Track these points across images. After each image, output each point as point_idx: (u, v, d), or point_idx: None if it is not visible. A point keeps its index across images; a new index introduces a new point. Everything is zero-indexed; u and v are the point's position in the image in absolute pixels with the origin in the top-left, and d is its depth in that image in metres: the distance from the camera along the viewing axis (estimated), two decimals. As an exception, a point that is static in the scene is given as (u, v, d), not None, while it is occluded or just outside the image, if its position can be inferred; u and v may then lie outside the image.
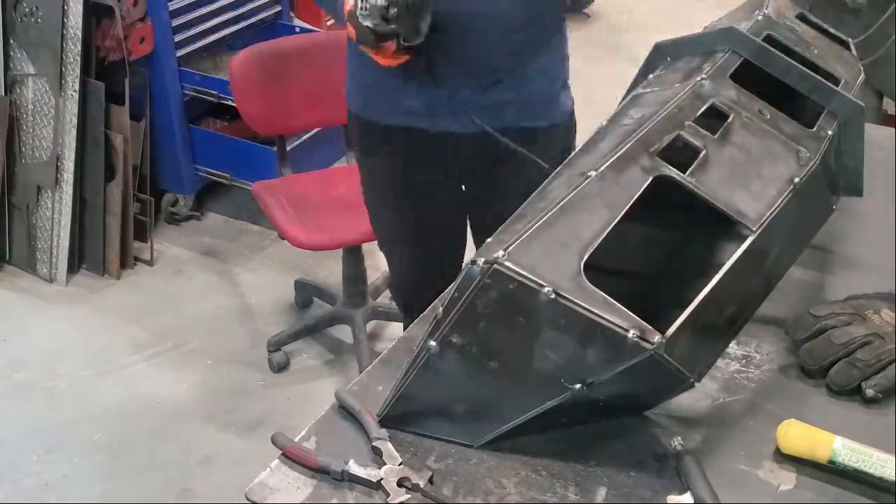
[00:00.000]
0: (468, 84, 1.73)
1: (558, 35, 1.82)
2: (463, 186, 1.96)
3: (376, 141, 1.88)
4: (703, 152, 1.17)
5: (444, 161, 1.84)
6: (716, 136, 1.20)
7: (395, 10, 1.51)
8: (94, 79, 3.03)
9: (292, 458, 1.09)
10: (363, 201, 2.05)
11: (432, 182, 1.90)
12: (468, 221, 2.04)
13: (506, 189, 1.81)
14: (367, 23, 1.52)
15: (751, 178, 1.18)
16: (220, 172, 3.41)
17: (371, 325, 2.93)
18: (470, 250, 2.04)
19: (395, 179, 1.91)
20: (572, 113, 1.89)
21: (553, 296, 0.98)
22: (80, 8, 2.91)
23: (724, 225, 1.16)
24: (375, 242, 2.81)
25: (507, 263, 1.00)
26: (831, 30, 1.62)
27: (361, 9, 1.52)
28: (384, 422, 1.13)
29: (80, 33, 2.93)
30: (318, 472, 1.08)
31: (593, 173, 1.11)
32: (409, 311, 2.11)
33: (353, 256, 2.82)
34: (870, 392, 1.17)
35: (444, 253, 2.04)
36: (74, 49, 2.95)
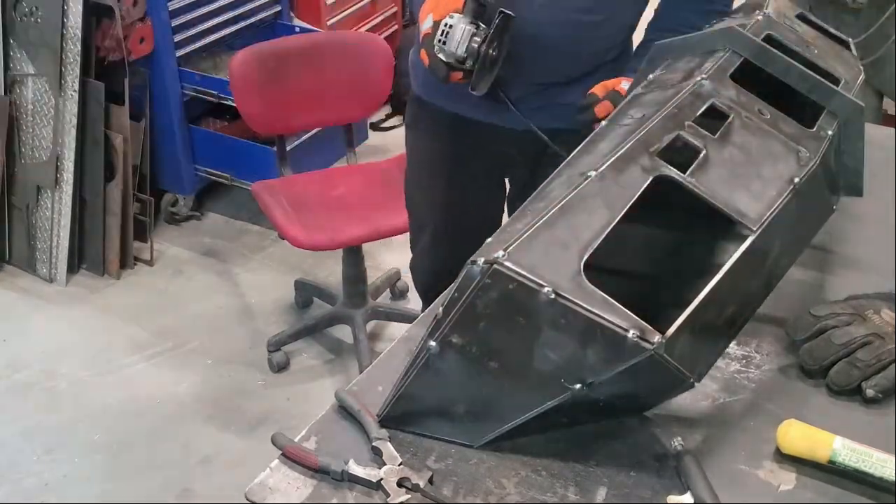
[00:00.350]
0: (526, 87, 1.76)
1: (624, 48, 1.84)
2: (507, 179, 2.02)
3: (429, 121, 1.95)
4: (703, 152, 1.17)
5: (490, 151, 1.90)
6: (716, 136, 1.20)
7: (472, 62, 1.57)
8: (94, 79, 3.03)
9: (292, 458, 1.09)
10: (404, 182, 2.12)
11: (478, 169, 1.96)
12: (504, 215, 2.10)
13: None
14: (442, 57, 1.57)
15: (751, 178, 1.18)
16: (220, 172, 3.41)
17: (371, 325, 2.93)
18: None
19: (443, 161, 1.97)
20: None
21: (553, 296, 0.98)
22: (80, 8, 2.91)
23: (724, 225, 1.16)
24: (375, 242, 2.84)
25: (507, 263, 1.00)
26: (831, 30, 1.62)
27: (438, 44, 1.56)
28: (384, 422, 1.13)
29: (79, 33, 2.93)
30: (318, 472, 1.08)
31: (593, 173, 1.11)
32: (426, 294, 2.16)
33: (353, 256, 2.82)
34: (870, 392, 1.17)
35: (475, 243, 2.04)
36: (74, 49, 2.95)
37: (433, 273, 2.13)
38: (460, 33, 1.55)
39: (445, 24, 1.56)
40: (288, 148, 3.02)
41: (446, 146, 1.95)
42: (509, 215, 2.05)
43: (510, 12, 1.55)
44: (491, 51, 1.57)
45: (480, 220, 2.03)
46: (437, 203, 2.04)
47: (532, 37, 1.66)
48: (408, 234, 2.25)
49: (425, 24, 1.60)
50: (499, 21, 1.55)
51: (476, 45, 1.55)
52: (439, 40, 1.56)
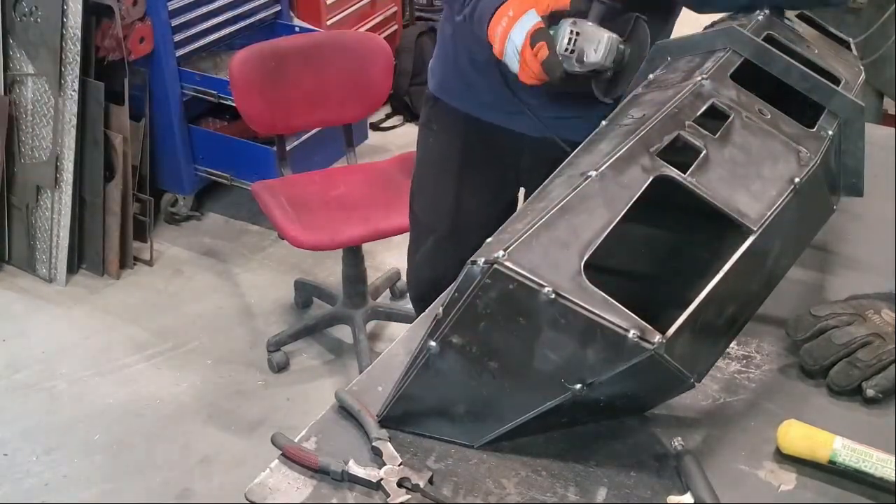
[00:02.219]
0: (543, 98, 1.72)
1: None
2: (521, 187, 1.97)
3: (445, 122, 1.91)
4: (704, 152, 1.17)
5: (505, 157, 1.86)
6: (716, 136, 1.20)
7: (611, 72, 1.47)
8: (94, 79, 3.03)
9: (292, 458, 1.09)
10: (411, 182, 2.07)
11: (490, 175, 1.92)
12: None
13: None
14: (568, 67, 1.45)
15: (751, 178, 1.18)
16: (219, 172, 3.41)
17: (371, 325, 2.93)
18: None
19: (456, 163, 1.93)
20: None
21: (553, 296, 0.98)
22: (80, 7, 2.91)
23: (724, 225, 1.16)
24: (375, 242, 2.84)
25: (507, 263, 1.00)
26: (831, 30, 1.62)
27: (566, 53, 1.44)
28: (384, 422, 1.13)
29: (79, 33, 2.93)
30: (318, 472, 1.08)
31: (593, 173, 1.11)
32: (420, 304, 2.10)
33: (353, 256, 2.82)
34: (870, 392, 1.17)
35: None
36: (74, 49, 2.95)
37: (432, 282, 2.04)
38: (605, 42, 1.43)
39: (573, 32, 1.44)
40: (288, 148, 3.02)
41: (460, 148, 1.91)
42: None
43: (643, 16, 1.46)
44: (627, 59, 1.45)
45: (488, 229, 1.99)
46: (445, 207, 1.98)
47: None
48: (407, 234, 2.24)
49: (525, 22, 1.46)
50: (634, 26, 1.46)
51: (621, 55, 1.44)
52: (568, 49, 1.44)
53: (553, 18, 1.47)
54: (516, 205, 2.00)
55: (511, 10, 1.48)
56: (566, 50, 1.44)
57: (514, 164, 1.88)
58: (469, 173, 1.92)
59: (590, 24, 1.44)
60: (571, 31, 1.44)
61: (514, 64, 1.50)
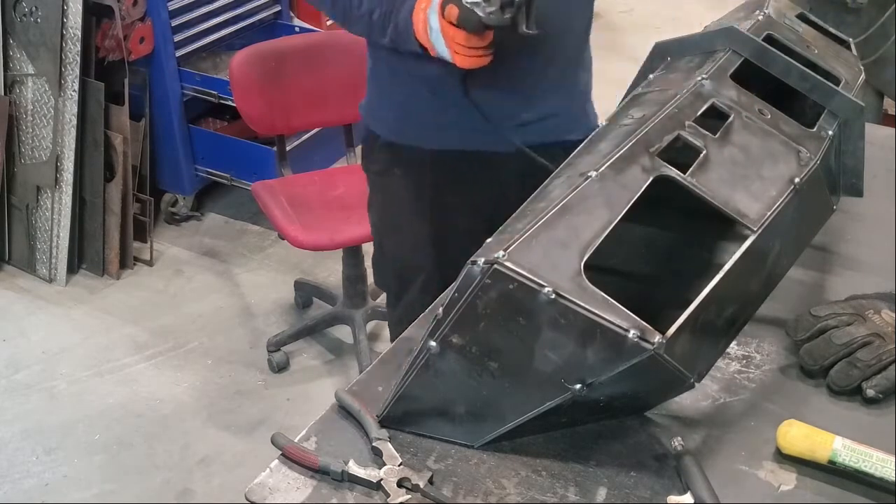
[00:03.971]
0: (504, 102, 1.69)
1: (587, 46, 1.80)
2: (495, 210, 1.90)
3: (407, 165, 1.81)
4: (704, 152, 1.17)
5: (480, 182, 1.77)
6: (716, 136, 1.20)
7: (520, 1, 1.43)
8: (94, 79, 3.03)
9: (292, 458, 1.09)
10: (370, 223, 1.97)
11: (465, 206, 1.82)
12: None
13: None
14: (481, 13, 1.43)
15: (751, 178, 1.18)
16: (219, 172, 3.41)
17: (371, 325, 2.93)
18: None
19: (421, 204, 1.83)
20: (597, 124, 1.86)
21: (553, 296, 0.98)
22: (80, 8, 2.91)
23: (724, 225, 1.16)
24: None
25: (507, 263, 1.00)
26: (831, 30, 1.61)
27: None
28: (384, 422, 1.13)
29: (79, 33, 2.93)
30: (318, 472, 1.08)
31: (593, 173, 1.11)
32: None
33: (353, 256, 2.82)
34: (870, 392, 1.17)
35: None
36: (74, 49, 2.95)
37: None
38: None
39: None
40: (288, 148, 3.02)
41: (429, 186, 1.80)
42: None
43: None
44: None
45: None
46: (424, 245, 1.86)
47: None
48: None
49: (434, 5, 1.48)
50: None
51: None
52: None
53: None
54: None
55: (423, 3, 1.50)
56: None
57: (491, 188, 1.77)
58: (444, 208, 1.82)
59: None
60: None
61: (444, 52, 1.50)
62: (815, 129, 1.30)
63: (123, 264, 3.24)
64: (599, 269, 1.03)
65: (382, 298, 3.04)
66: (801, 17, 1.58)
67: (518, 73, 1.68)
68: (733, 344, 1.25)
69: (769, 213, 1.14)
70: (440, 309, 1.05)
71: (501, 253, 1.00)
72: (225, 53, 3.43)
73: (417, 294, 1.92)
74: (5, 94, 3.07)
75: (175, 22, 3.17)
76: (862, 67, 1.53)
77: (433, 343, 1.06)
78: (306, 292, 3.11)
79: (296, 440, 1.12)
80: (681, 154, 1.17)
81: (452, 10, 1.45)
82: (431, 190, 1.81)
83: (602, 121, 1.33)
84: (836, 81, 1.39)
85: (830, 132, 1.31)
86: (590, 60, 1.83)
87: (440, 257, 1.87)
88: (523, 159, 1.69)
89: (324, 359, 2.89)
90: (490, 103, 1.66)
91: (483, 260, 1.01)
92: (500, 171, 1.75)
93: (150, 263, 3.29)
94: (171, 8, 3.14)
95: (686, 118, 1.21)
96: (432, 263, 1.88)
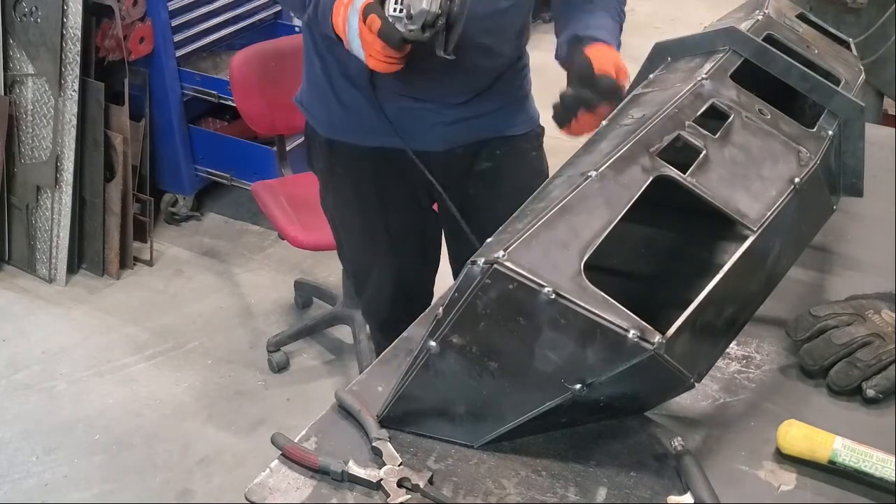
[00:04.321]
0: (440, 101, 1.68)
1: (522, 54, 1.79)
2: (434, 205, 1.90)
3: (348, 163, 1.82)
4: (704, 152, 1.17)
5: (414, 179, 1.76)
6: (716, 137, 1.20)
7: (443, 21, 1.41)
8: (94, 79, 3.03)
9: (292, 458, 1.09)
10: (328, 221, 1.98)
11: (404, 201, 1.84)
12: (443, 237, 1.98)
13: (478, 204, 1.79)
14: (402, 29, 1.40)
15: (751, 178, 1.18)
16: (219, 172, 3.41)
17: (371, 325, 2.93)
18: (444, 266, 2.00)
19: (364, 200, 1.84)
20: (538, 119, 1.86)
21: (553, 296, 0.98)
22: (80, 8, 2.91)
23: (724, 225, 1.16)
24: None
25: (507, 263, 1.00)
26: (831, 30, 1.62)
27: (396, 13, 1.41)
28: (384, 422, 1.13)
29: (79, 33, 2.93)
30: (318, 472, 1.08)
31: (593, 173, 1.11)
32: (384, 330, 2.01)
33: (353, 256, 2.82)
34: (870, 392, 1.17)
35: (419, 272, 1.99)
36: (74, 49, 2.95)
37: (391, 304, 1.98)
38: None
39: None
40: (288, 148, 3.02)
41: (370, 183, 1.81)
42: (448, 239, 1.96)
43: None
44: (455, 7, 1.41)
45: (423, 243, 1.94)
46: (376, 238, 1.89)
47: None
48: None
49: (356, 3, 1.44)
50: None
51: (448, 3, 1.40)
52: (396, 9, 1.40)
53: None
54: (440, 219, 1.93)
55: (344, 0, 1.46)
56: (395, 10, 1.41)
57: (424, 184, 1.77)
58: (387, 201, 1.83)
59: None
60: None
61: (360, 52, 1.47)
62: (815, 129, 1.30)
63: (123, 264, 3.23)
64: (599, 269, 1.03)
65: (382, 298, 3.04)
66: (801, 17, 1.58)
67: (434, 83, 1.65)
68: (733, 344, 1.25)
69: (769, 213, 1.14)
70: (440, 309, 1.05)
71: (501, 253, 1.00)
72: (225, 53, 3.43)
73: (378, 285, 1.96)
74: (5, 94, 3.07)
75: (175, 22, 3.17)
76: (862, 67, 1.53)
77: (433, 343, 1.06)
78: (306, 292, 3.11)
79: (296, 440, 1.12)
80: (681, 154, 1.17)
81: (374, 21, 1.41)
82: (373, 186, 1.81)
83: (603, 120, 1.33)
84: (836, 81, 1.39)
85: (830, 132, 1.31)
86: (525, 65, 1.81)
87: (392, 248, 1.90)
88: (461, 158, 1.70)
89: (324, 359, 2.89)
90: (427, 101, 1.66)
91: (483, 260, 1.01)
92: (435, 169, 1.71)
93: (150, 263, 3.29)
94: (171, 8, 3.14)
95: (686, 118, 1.21)
96: (385, 255, 1.91)
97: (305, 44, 1.78)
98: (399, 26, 1.41)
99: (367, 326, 2.84)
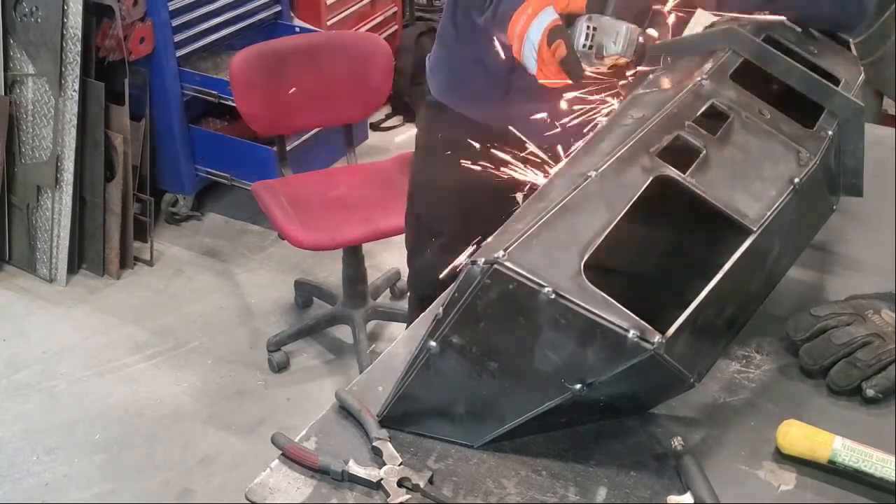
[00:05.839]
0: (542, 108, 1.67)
1: None
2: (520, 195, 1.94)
3: (450, 128, 1.87)
4: (704, 152, 1.17)
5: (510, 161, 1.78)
6: (716, 137, 1.20)
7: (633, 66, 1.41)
8: (94, 79, 3.03)
9: (292, 458, 1.09)
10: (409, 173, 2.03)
11: (496, 181, 1.81)
12: None
13: None
14: (587, 65, 1.39)
15: (751, 178, 1.18)
16: (220, 172, 3.41)
17: (371, 325, 2.93)
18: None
19: (462, 168, 1.82)
20: None
21: (553, 296, 0.98)
22: (80, 8, 2.91)
23: (724, 225, 1.16)
24: (375, 242, 2.83)
25: (507, 263, 1.00)
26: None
27: (586, 46, 1.38)
28: (384, 422, 1.13)
29: (79, 33, 2.93)
30: (318, 472, 1.08)
31: (593, 173, 1.11)
32: (421, 303, 2.06)
33: (353, 256, 2.82)
34: (870, 392, 1.17)
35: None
36: (74, 49, 2.95)
37: (440, 284, 2.02)
38: (623, 33, 1.36)
39: (590, 27, 1.38)
40: (288, 148, 3.02)
41: (466, 153, 1.81)
42: None
43: (661, 8, 1.44)
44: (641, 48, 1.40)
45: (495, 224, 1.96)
46: (452, 211, 1.92)
47: None
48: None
49: (542, 19, 1.42)
50: (653, 18, 1.44)
51: (642, 46, 1.38)
52: (585, 45, 1.38)
53: (569, 21, 1.42)
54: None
55: (529, 9, 1.44)
56: (584, 46, 1.39)
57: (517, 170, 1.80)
58: (477, 178, 1.82)
59: (606, 17, 1.39)
60: (588, 27, 1.39)
61: (531, 63, 1.45)
62: (814, 130, 1.30)
63: (123, 264, 3.24)
64: (599, 269, 1.03)
65: (382, 298, 3.04)
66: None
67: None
68: (733, 344, 1.25)
69: (769, 213, 1.14)
70: (440, 309, 1.05)
71: (501, 253, 1.00)
72: (225, 53, 3.43)
73: (437, 255, 1.96)
74: (5, 94, 3.07)
75: (175, 22, 3.17)
76: (862, 67, 1.53)
77: (433, 343, 1.06)
78: (306, 292, 3.11)
79: (296, 440, 1.12)
80: (681, 154, 1.17)
81: (560, 49, 1.38)
82: (468, 158, 1.80)
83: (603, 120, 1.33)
84: (836, 81, 1.39)
85: (830, 132, 1.31)
86: None
87: (465, 228, 1.88)
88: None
89: (324, 359, 2.89)
90: (533, 106, 1.64)
91: (483, 260, 1.01)
92: (533, 156, 1.71)
93: (150, 263, 3.29)
94: (171, 8, 3.14)
95: (686, 118, 1.21)
96: (456, 232, 1.87)
97: (448, 13, 1.82)
98: (584, 62, 1.39)
99: (367, 327, 2.85)
